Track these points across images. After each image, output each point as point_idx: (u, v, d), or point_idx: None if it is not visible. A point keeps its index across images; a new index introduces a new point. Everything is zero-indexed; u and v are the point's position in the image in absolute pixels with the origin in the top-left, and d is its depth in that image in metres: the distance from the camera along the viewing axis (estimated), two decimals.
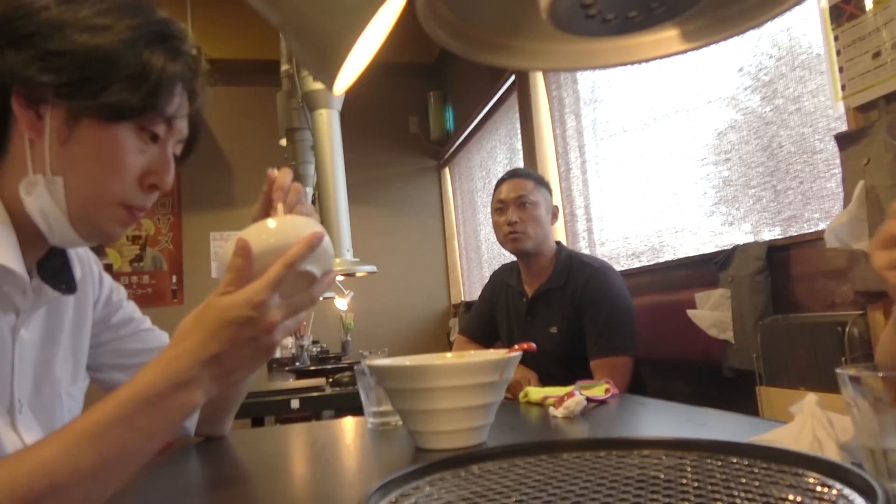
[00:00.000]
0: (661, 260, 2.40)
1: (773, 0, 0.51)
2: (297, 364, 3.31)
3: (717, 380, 1.89)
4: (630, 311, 1.83)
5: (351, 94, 1.13)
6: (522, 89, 3.33)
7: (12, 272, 0.69)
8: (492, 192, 2.06)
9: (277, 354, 3.94)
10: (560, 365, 1.79)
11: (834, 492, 0.42)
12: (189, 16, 3.39)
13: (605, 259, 2.46)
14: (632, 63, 0.60)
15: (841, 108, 1.53)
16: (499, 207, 1.97)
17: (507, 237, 1.92)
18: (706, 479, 0.48)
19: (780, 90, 1.84)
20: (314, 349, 3.69)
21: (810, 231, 1.73)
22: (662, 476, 0.50)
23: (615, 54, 0.59)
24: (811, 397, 0.61)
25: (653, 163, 2.43)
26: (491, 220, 2.04)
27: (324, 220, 1.57)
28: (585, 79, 2.89)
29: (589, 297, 1.81)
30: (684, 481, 0.48)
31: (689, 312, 1.90)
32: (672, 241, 2.36)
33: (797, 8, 0.50)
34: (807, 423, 0.58)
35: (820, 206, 1.72)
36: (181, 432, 1.03)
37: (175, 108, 0.75)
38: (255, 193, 0.80)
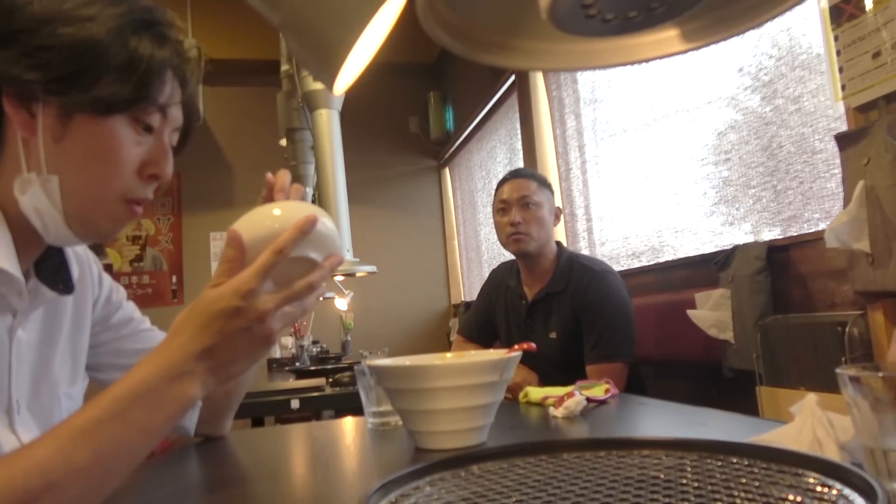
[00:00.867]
0: (661, 260, 2.40)
1: (773, 0, 0.51)
2: (297, 364, 3.31)
3: (717, 380, 1.89)
4: (629, 317, 1.82)
5: (351, 94, 1.13)
6: (522, 89, 3.33)
7: (7, 274, 0.68)
8: (492, 192, 2.04)
9: (277, 354, 3.94)
10: (559, 369, 1.77)
11: (834, 492, 0.42)
12: (189, 16, 3.40)
13: (605, 259, 2.46)
14: (632, 63, 0.60)
15: (841, 108, 1.53)
16: (501, 208, 1.94)
17: (510, 238, 1.89)
18: (706, 479, 0.48)
19: (780, 90, 1.84)
20: (314, 349, 3.69)
21: (810, 231, 1.73)
22: (662, 476, 0.50)
23: (615, 54, 0.59)
24: (811, 397, 0.61)
25: (653, 163, 2.43)
26: (492, 220, 2.01)
27: None
28: (585, 79, 2.89)
29: (589, 302, 1.79)
30: (684, 481, 0.48)
31: (689, 312, 1.90)
32: (672, 241, 2.36)
33: (797, 8, 0.50)
34: (807, 423, 0.58)
35: (820, 206, 1.72)
36: (181, 432, 1.03)
37: (167, 96, 0.74)
38: (255, 194, 0.80)
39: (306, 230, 0.65)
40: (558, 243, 1.98)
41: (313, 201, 2.50)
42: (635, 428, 1.03)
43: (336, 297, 3.48)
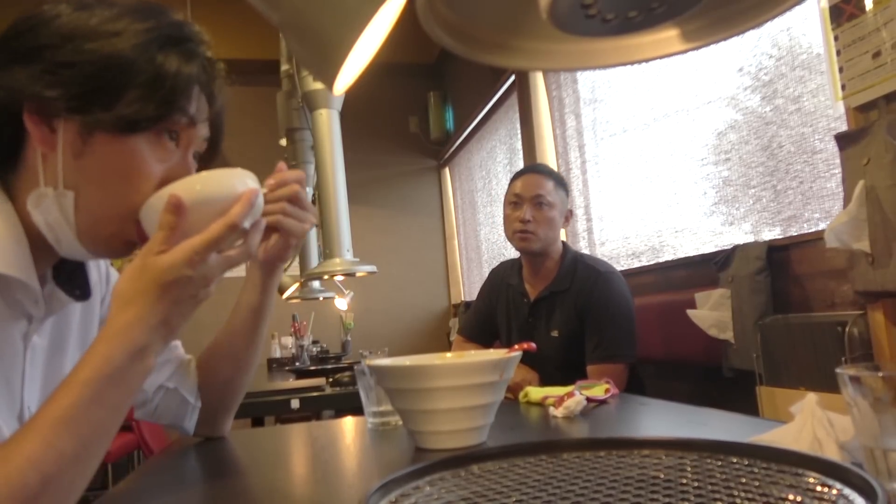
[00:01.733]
0: (662, 260, 2.40)
1: (773, 0, 0.51)
2: (297, 364, 3.31)
3: (717, 380, 1.89)
4: (631, 318, 1.81)
5: (351, 94, 1.13)
6: (522, 89, 3.33)
7: (24, 283, 0.68)
8: (492, 192, 2.03)
9: (277, 354, 3.94)
10: (560, 369, 1.77)
11: (834, 492, 0.42)
12: (189, 16, 3.39)
13: (606, 259, 2.45)
14: (632, 63, 0.60)
15: (841, 108, 1.53)
16: (514, 201, 1.90)
17: (516, 235, 1.86)
18: (706, 479, 0.48)
19: (780, 90, 1.84)
20: (314, 349, 3.69)
21: (810, 231, 1.73)
22: (662, 476, 0.50)
23: (615, 54, 0.59)
24: (811, 397, 0.61)
25: (653, 163, 2.43)
26: (503, 213, 1.97)
27: (324, 220, 1.57)
28: (585, 79, 2.89)
29: (593, 302, 1.78)
30: (684, 481, 0.48)
31: (689, 312, 1.90)
32: (672, 241, 2.36)
33: (797, 8, 0.50)
34: (807, 423, 0.58)
35: (820, 206, 1.72)
36: (181, 432, 1.03)
37: (193, 112, 0.72)
38: None
39: (254, 202, 0.67)
40: (563, 243, 1.97)
41: (313, 201, 2.50)
42: (635, 428, 1.03)
43: (336, 296, 3.48)
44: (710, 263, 1.93)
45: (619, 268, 2.25)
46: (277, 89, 2.40)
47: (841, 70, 1.46)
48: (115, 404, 0.61)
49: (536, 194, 1.87)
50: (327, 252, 1.50)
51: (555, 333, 1.85)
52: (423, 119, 4.86)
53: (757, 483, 0.46)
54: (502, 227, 2.01)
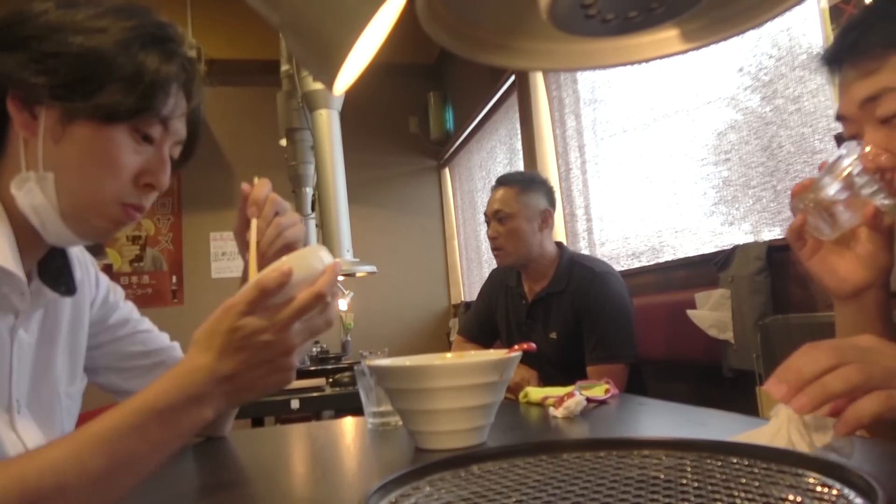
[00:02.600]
0: (661, 260, 2.40)
1: (773, 0, 0.51)
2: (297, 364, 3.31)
3: (717, 380, 1.89)
4: (630, 318, 1.81)
5: (351, 94, 1.13)
6: (522, 89, 3.33)
7: (10, 273, 0.69)
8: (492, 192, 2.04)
9: None
10: (559, 370, 1.77)
11: (834, 492, 0.42)
12: (189, 16, 3.39)
13: (605, 259, 2.45)
14: (632, 63, 0.60)
15: None
16: (486, 220, 1.97)
17: (492, 251, 1.94)
18: (706, 479, 0.48)
19: (780, 90, 1.84)
20: (314, 349, 3.69)
21: None
22: (662, 476, 0.50)
23: (615, 54, 0.59)
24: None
25: (653, 163, 2.43)
26: None
27: (324, 220, 1.58)
28: (585, 79, 2.89)
29: (589, 303, 1.78)
30: (684, 481, 0.48)
31: (689, 312, 1.90)
32: (672, 241, 2.36)
33: (797, 8, 0.50)
34: (783, 426, 0.58)
35: None
36: None
37: (170, 108, 0.75)
38: None
39: (338, 272, 0.68)
40: (559, 244, 1.97)
41: (313, 201, 2.50)
42: (635, 428, 1.03)
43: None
44: (709, 264, 1.93)
45: (618, 268, 2.25)
46: (277, 89, 2.41)
47: None
48: (157, 441, 0.60)
49: (494, 210, 1.92)
50: None
51: (553, 335, 1.84)
52: (423, 119, 4.86)
53: (757, 483, 0.46)
54: None
